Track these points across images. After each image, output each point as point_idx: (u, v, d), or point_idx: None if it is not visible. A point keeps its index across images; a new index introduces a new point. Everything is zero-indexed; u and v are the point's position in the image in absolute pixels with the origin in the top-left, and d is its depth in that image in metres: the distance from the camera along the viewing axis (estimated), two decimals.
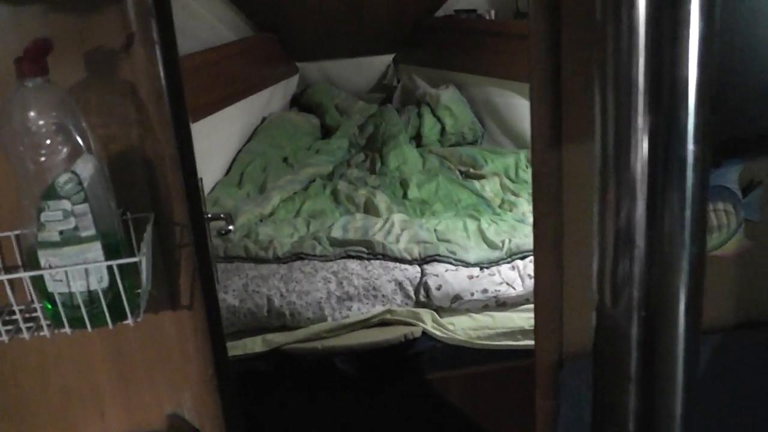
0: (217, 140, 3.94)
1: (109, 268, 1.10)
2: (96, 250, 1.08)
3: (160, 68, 1.33)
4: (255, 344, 2.52)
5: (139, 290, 1.17)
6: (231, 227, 2.03)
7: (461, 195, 3.64)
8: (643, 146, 0.80)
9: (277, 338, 2.54)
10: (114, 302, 1.13)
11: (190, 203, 1.43)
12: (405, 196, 3.69)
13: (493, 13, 4.63)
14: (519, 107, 4.20)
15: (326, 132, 4.82)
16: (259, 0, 4.55)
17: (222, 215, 2.07)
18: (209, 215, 2.03)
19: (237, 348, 2.49)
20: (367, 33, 5.03)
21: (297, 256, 2.83)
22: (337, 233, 2.97)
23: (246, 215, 3.34)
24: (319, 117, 4.90)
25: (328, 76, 5.35)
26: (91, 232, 1.07)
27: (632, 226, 0.84)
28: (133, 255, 1.16)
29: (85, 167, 1.08)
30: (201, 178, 1.52)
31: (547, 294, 1.53)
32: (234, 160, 4.09)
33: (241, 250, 2.87)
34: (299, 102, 5.20)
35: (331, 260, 2.81)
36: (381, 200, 3.54)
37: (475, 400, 2.67)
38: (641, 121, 0.79)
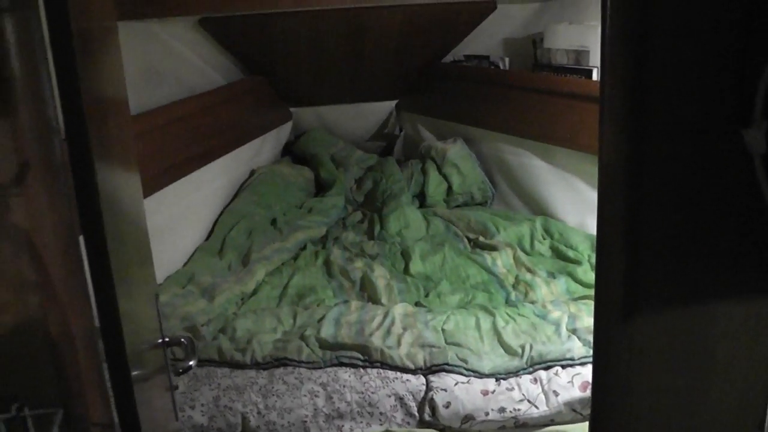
0: (198, 199, 3.54)
1: None
2: None
3: (68, 208, 0.93)
4: None
5: None
6: (192, 362, 1.59)
7: (470, 270, 3.24)
8: None
9: None
10: None
11: (118, 392, 1.02)
12: (406, 270, 3.28)
13: (507, 61, 4.21)
14: (535, 168, 3.78)
15: (320, 187, 4.38)
16: (250, 42, 4.10)
17: (182, 339, 1.64)
18: (166, 339, 1.63)
19: None
20: (367, 77, 4.59)
21: (280, 361, 2.39)
22: (328, 331, 2.53)
23: (225, 294, 2.92)
24: (313, 169, 4.46)
25: (324, 122, 4.90)
26: None
27: None
28: None
29: None
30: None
31: None
32: (217, 221, 3.66)
33: (214, 352, 2.43)
34: (292, 150, 4.76)
35: (320, 368, 2.37)
36: (379, 275, 3.13)
37: None
38: None
